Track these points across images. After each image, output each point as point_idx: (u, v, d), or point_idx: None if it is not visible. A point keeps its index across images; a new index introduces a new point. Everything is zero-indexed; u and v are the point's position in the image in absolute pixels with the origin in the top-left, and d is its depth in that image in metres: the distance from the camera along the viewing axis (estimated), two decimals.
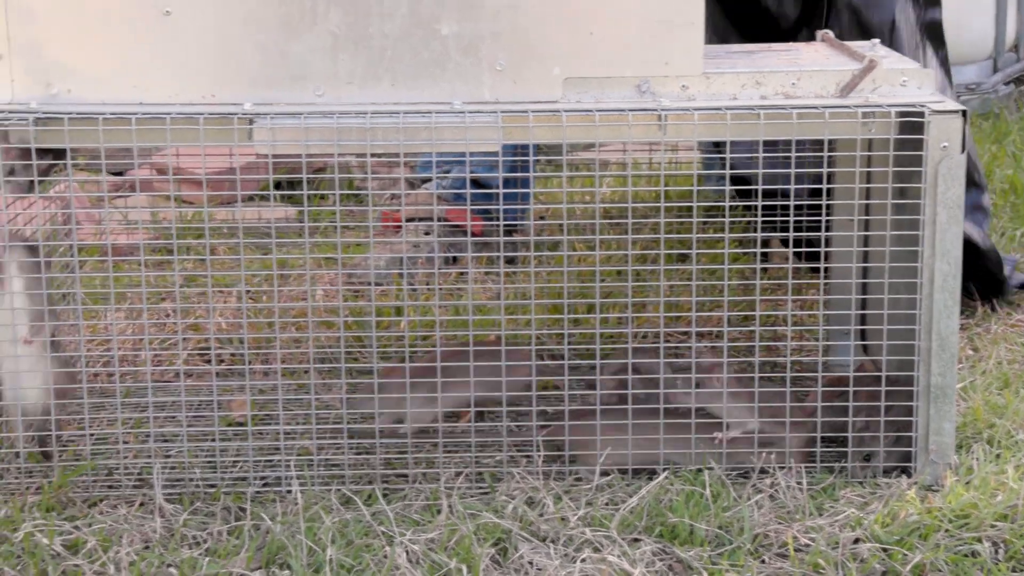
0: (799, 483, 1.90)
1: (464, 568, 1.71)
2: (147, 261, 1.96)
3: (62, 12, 1.86)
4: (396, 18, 1.88)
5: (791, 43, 2.22)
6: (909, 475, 1.94)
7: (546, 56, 1.89)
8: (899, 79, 1.93)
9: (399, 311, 2.48)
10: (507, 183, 2.60)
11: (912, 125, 1.87)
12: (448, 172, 2.74)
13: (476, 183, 2.74)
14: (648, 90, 1.91)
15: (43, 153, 1.87)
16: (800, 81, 1.93)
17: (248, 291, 2.50)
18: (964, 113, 1.85)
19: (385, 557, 1.73)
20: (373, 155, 1.88)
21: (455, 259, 2.72)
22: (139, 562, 1.73)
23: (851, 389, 1.99)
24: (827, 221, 2.14)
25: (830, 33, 2.21)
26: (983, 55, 4.40)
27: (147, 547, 1.78)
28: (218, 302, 2.49)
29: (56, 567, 1.73)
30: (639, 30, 1.89)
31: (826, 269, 2.26)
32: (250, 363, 2.25)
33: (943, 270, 1.89)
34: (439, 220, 2.73)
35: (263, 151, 1.87)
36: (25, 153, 1.86)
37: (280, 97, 1.89)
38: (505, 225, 2.70)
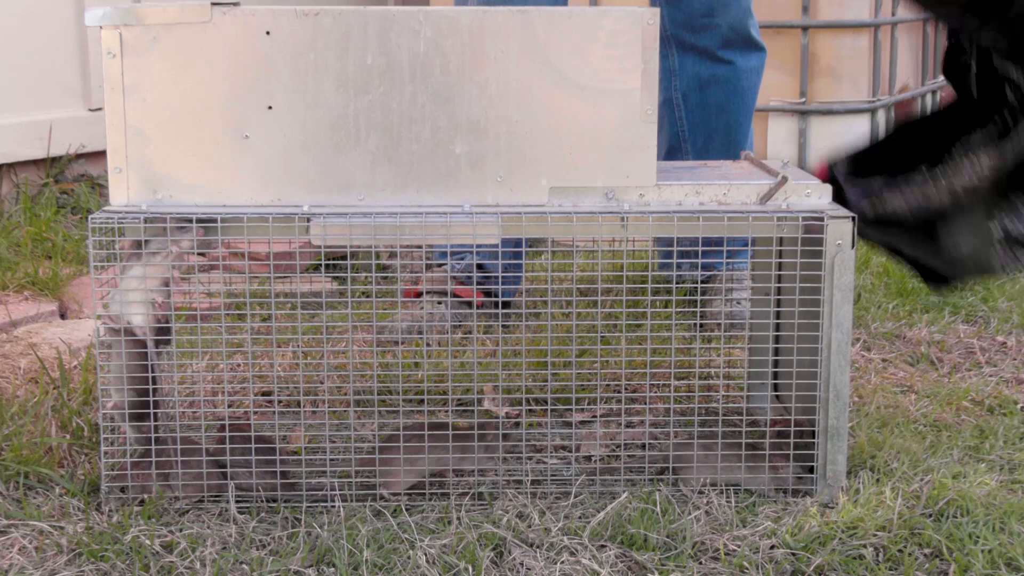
0: (728, 502, 1.90)
1: (470, 568, 1.70)
2: (224, 323, 1.96)
3: (167, 136, 1.88)
4: (421, 141, 1.89)
5: (721, 161, 2.24)
6: (811, 496, 1.94)
7: (535, 171, 1.91)
8: (804, 191, 1.94)
9: (418, 365, 2.48)
10: (504, 268, 2.61)
11: (815, 227, 1.89)
12: (462, 259, 2.76)
13: (479, 267, 2.75)
14: (614, 197, 1.92)
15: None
16: (730, 191, 1.94)
17: (303, 348, 2.50)
18: (854, 219, 1.86)
19: (408, 559, 1.73)
20: (403, 246, 1.87)
21: (461, 325, 2.72)
22: (219, 560, 1.72)
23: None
24: (751, 299, 2.15)
25: (751, 153, 2.23)
26: None
27: (224, 548, 1.77)
28: (278, 356, 2.49)
29: (156, 562, 1.72)
30: (607, 151, 1.90)
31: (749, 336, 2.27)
32: (303, 404, 2.24)
33: (838, 338, 1.90)
34: (450, 295, 2.74)
35: (317, 242, 1.88)
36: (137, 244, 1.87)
37: (331, 200, 1.90)
38: (501, 300, 2.71)
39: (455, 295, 2.74)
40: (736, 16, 2.72)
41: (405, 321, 2.67)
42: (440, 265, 2.84)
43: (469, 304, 2.73)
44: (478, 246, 1.92)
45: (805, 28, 4.47)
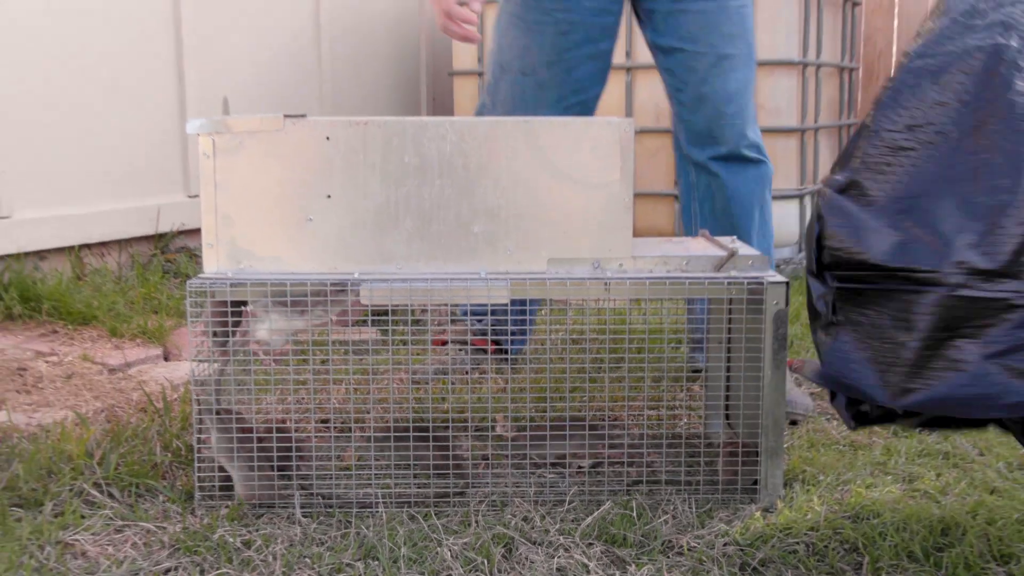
0: (690, 508, 1.88)
1: (485, 561, 1.68)
2: (291, 363, 1.96)
3: (248, 219, 1.88)
4: (447, 223, 1.89)
5: (683, 238, 2.23)
6: (755, 502, 1.92)
7: (537, 245, 1.90)
8: (748, 262, 1.94)
9: (444, 399, 2.46)
10: (512, 322, 2.60)
11: (757, 290, 1.88)
12: (478, 321, 2.73)
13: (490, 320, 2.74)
14: (599, 266, 1.91)
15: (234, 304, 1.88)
16: (690, 262, 1.93)
17: (353, 386, 2.49)
18: (787, 284, 1.86)
19: (437, 554, 1.71)
20: (433, 305, 1.86)
21: (478, 367, 2.71)
22: (287, 554, 1.70)
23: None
24: (707, 346, 2.14)
25: (706, 231, 2.22)
26: (792, 240, 4.43)
27: (291, 545, 1.75)
28: (334, 391, 2.47)
29: (237, 556, 1.70)
30: (594, 231, 1.90)
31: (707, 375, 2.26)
32: (354, 429, 2.22)
33: (775, 377, 1.88)
34: (469, 344, 2.72)
35: (365, 302, 1.87)
36: (223, 304, 1.87)
37: (376, 270, 1.90)
38: (511, 349, 2.69)
39: (473, 344, 2.73)
40: (731, 138, 2.49)
41: (434, 364, 2.66)
42: (463, 320, 2.83)
43: (484, 351, 2.72)
44: (492, 305, 1.91)
45: None
